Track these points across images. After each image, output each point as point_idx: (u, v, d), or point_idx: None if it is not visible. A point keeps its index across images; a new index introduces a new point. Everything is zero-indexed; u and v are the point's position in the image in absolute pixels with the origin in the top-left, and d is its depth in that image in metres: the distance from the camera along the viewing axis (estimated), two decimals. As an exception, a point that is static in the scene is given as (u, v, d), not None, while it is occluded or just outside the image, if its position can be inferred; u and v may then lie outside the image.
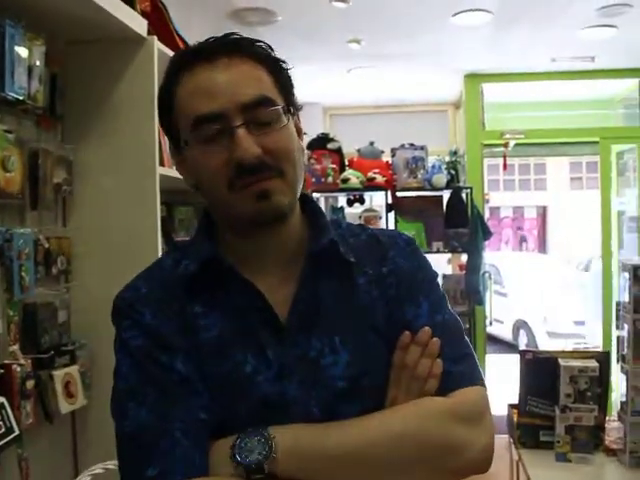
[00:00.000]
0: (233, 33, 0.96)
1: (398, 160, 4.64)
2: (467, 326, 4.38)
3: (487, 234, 4.72)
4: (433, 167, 4.60)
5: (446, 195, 4.68)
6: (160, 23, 2.15)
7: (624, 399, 2.02)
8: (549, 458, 2.05)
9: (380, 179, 4.51)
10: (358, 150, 4.78)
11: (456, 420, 0.90)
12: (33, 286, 1.70)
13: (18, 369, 1.60)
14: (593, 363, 2.04)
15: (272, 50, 0.97)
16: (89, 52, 1.97)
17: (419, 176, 4.58)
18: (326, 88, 5.39)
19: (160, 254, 1.99)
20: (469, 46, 4.37)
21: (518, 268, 10.14)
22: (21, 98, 1.63)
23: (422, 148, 4.65)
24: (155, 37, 1.99)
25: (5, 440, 1.48)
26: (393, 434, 0.88)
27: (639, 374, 1.98)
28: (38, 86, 1.72)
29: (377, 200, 5.11)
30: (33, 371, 1.67)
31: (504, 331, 8.86)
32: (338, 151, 4.63)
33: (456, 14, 3.69)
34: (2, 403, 1.50)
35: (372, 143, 4.76)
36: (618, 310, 2.13)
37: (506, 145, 5.25)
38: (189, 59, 0.94)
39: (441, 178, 4.52)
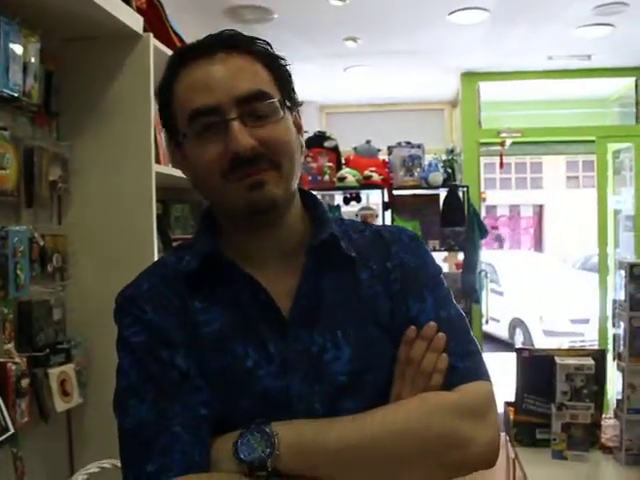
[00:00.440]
0: (231, 30, 0.97)
1: (395, 158, 4.64)
2: (463, 324, 4.37)
3: (483, 232, 4.72)
4: (430, 165, 4.60)
5: (443, 193, 4.68)
6: (156, 20, 2.15)
7: (620, 397, 2.02)
8: (545, 456, 2.05)
9: (377, 177, 4.51)
10: (355, 148, 4.77)
11: (461, 415, 0.89)
12: (28, 284, 1.69)
13: (13, 367, 1.59)
14: (589, 361, 2.04)
15: (271, 47, 0.98)
16: (85, 49, 1.96)
17: (416, 174, 4.58)
18: (323, 86, 5.38)
19: (156, 251, 1.99)
20: (466, 44, 4.36)
21: (514, 266, 10.16)
22: (16, 95, 1.63)
23: (419, 146, 4.65)
24: (151, 34, 1.98)
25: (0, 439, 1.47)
26: (397, 429, 0.87)
27: (635, 372, 1.98)
28: (33, 83, 1.71)
29: (374, 198, 5.10)
30: (28, 369, 1.67)
31: (500, 329, 8.88)
32: (335, 149, 4.62)
33: (453, 12, 3.69)
34: (-3, 401, 1.49)
35: (369, 141, 4.75)
36: (614, 308, 2.13)
37: (502, 143, 5.25)
38: (187, 55, 0.95)
39: (437, 176, 4.52)
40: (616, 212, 5.47)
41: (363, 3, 3.53)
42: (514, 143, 5.35)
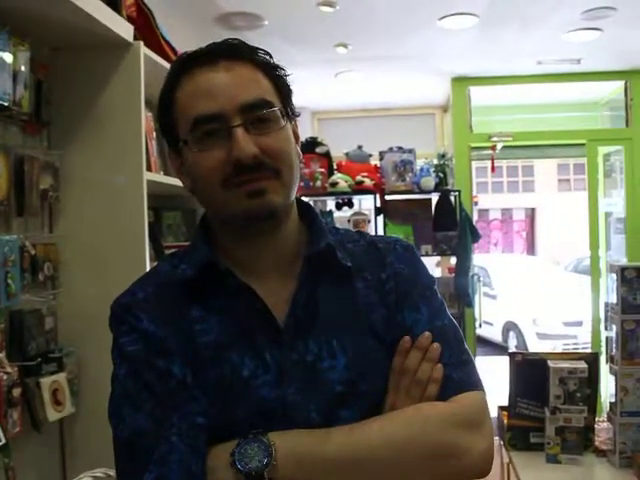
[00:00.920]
0: (234, 39, 0.97)
1: (386, 163, 4.65)
2: (457, 328, 4.37)
3: (476, 236, 4.73)
4: (421, 170, 4.60)
5: (434, 198, 4.69)
6: (146, 28, 2.14)
7: (613, 400, 2.03)
8: (539, 460, 2.05)
9: (369, 182, 4.51)
10: (346, 154, 4.78)
11: (456, 425, 0.90)
12: (19, 293, 1.69)
13: (4, 377, 1.58)
14: (582, 364, 2.05)
15: (271, 57, 0.99)
16: (75, 57, 1.96)
17: (407, 179, 4.59)
18: (314, 92, 5.39)
19: (148, 259, 1.98)
20: (456, 49, 4.39)
21: (507, 270, 10.19)
22: (6, 104, 1.62)
23: (410, 151, 4.65)
24: (141, 42, 1.98)
25: (-8, 449, 1.46)
26: (393, 439, 0.88)
27: (628, 375, 1.98)
28: (23, 92, 1.71)
29: (366, 204, 5.11)
30: (20, 379, 1.66)
31: (494, 333, 8.90)
32: (326, 155, 4.62)
33: (443, 18, 3.71)
34: (-12, 412, 1.49)
35: (360, 147, 4.76)
36: (607, 311, 2.14)
37: (494, 148, 5.27)
38: (190, 63, 0.95)
39: (429, 181, 4.53)
40: (607, 215, 5.50)
41: (353, 9, 3.54)
42: (505, 147, 5.37)
